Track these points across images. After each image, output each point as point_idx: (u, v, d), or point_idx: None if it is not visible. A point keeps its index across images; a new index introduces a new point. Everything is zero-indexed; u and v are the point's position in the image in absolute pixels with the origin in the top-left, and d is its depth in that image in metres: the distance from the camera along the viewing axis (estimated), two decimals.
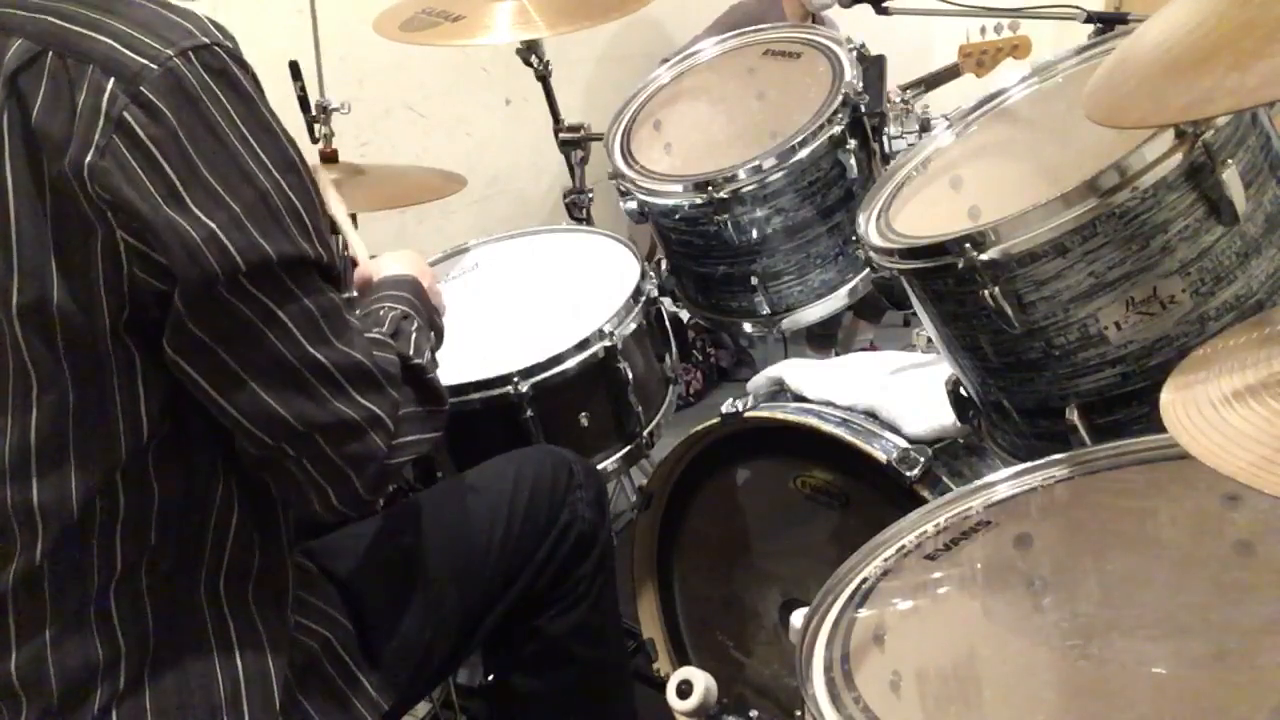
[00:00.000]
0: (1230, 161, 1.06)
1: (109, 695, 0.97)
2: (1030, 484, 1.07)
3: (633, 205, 1.81)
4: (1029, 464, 1.10)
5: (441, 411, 1.13)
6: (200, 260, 0.88)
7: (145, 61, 0.87)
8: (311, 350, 0.96)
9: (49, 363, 0.92)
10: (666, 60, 2.04)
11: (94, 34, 0.89)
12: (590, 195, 2.38)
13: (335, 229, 1.85)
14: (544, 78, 2.37)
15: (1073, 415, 1.15)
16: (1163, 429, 0.77)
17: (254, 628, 1.03)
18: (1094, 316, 1.11)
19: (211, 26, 0.92)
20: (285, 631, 1.06)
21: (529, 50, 2.31)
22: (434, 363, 1.16)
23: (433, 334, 1.24)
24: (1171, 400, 0.80)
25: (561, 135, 2.40)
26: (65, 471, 0.94)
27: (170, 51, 0.88)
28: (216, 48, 0.90)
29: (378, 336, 1.08)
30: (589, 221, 2.37)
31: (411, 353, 1.12)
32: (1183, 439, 0.74)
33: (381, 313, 1.18)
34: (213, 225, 0.89)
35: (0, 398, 0.93)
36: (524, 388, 1.57)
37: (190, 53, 0.89)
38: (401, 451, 1.04)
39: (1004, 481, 1.09)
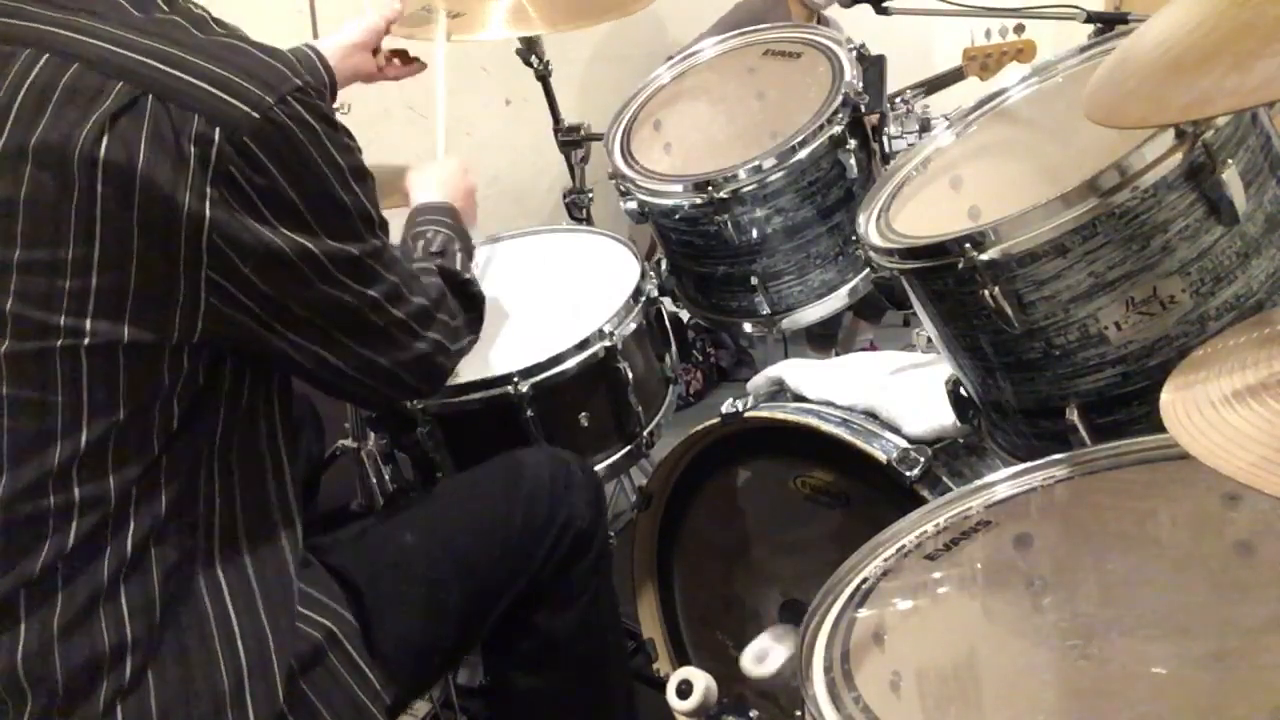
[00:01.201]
0: (1230, 161, 1.06)
1: (114, 689, 0.98)
2: (1030, 484, 1.07)
3: (633, 205, 1.81)
4: (1029, 464, 1.10)
5: (480, 318, 1.37)
6: (291, 268, 1.00)
7: (247, 110, 0.94)
8: (394, 310, 1.13)
9: (106, 391, 0.96)
10: (670, 59, 2.04)
11: (195, 79, 0.93)
12: (590, 195, 2.38)
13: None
14: (544, 77, 2.37)
15: (1073, 415, 1.15)
16: (1163, 429, 0.77)
17: (258, 619, 1.04)
18: (1094, 316, 1.11)
19: (298, 64, 0.99)
20: (289, 622, 1.07)
21: (529, 50, 2.31)
22: (474, 277, 1.38)
23: (469, 250, 1.44)
24: (1171, 400, 0.80)
25: (561, 135, 2.40)
26: (105, 476, 0.97)
27: (271, 99, 0.95)
28: (308, 86, 0.98)
29: (423, 265, 1.28)
30: (589, 221, 2.37)
31: (459, 268, 1.33)
32: (1183, 439, 0.74)
33: (430, 234, 1.39)
34: (309, 242, 1.01)
35: (51, 415, 0.96)
36: (524, 388, 1.57)
37: (289, 96, 0.96)
38: (457, 356, 1.27)
39: (1004, 481, 1.09)
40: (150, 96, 0.91)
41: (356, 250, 1.07)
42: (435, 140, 1.86)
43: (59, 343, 0.94)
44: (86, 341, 0.94)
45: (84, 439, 0.96)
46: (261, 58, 0.98)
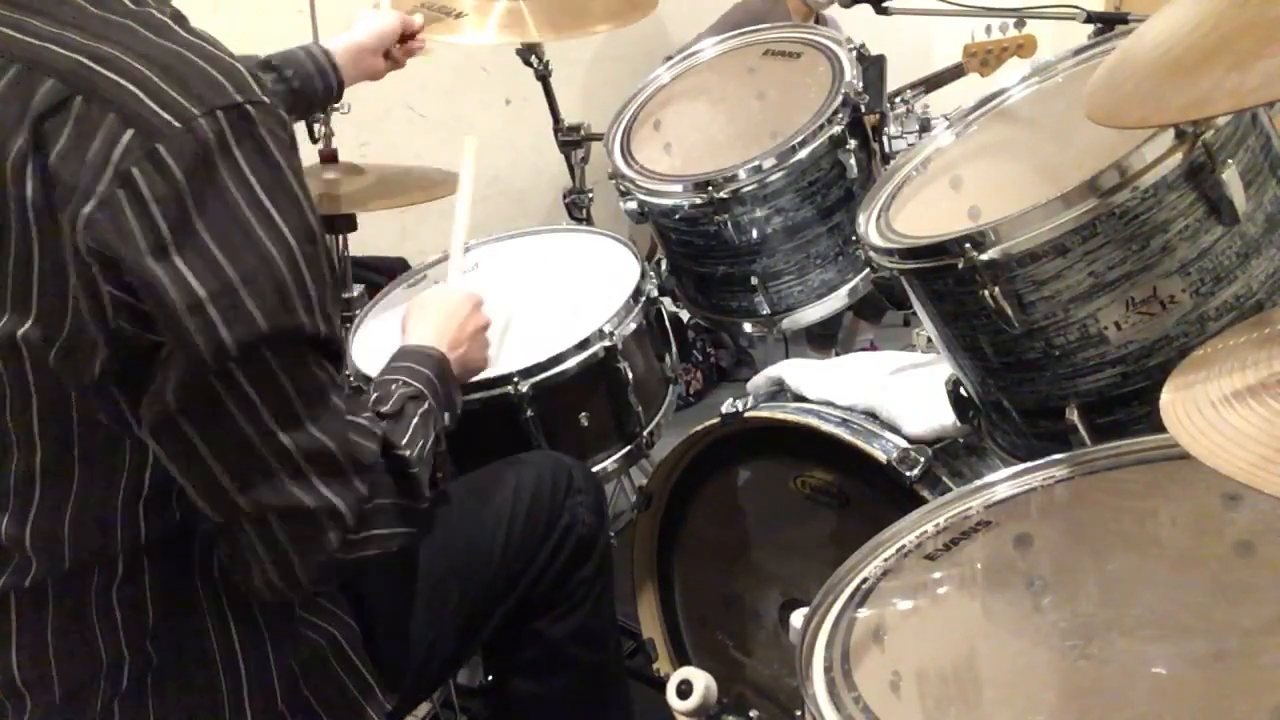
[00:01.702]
0: (1230, 161, 1.06)
1: (111, 694, 0.98)
2: (1030, 484, 1.07)
3: (633, 205, 1.81)
4: (1029, 464, 1.10)
5: (417, 509, 1.08)
6: (179, 327, 0.85)
7: (169, 119, 0.84)
8: (279, 433, 0.92)
9: (50, 401, 0.91)
10: (670, 59, 2.04)
11: (125, 82, 0.85)
12: (590, 195, 2.39)
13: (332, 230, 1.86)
14: (544, 78, 2.37)
15: (1073, 415, 1.15)
16: (1163, 429, 0.77)
17: (256, 627, 1.04)
18: (1094, 316, 1.11)
19: (251, 82, 0.89)
20: (290, 628, 1.07)
21: (529, 50, 2.31)
22: (428, 453, 1.12)
23: (446, 415, 1.21)
24: (1171, 400, 0.79)
25: (561, 135, 2.41)
26: (63, 506, 0.93)
27: (197, 111, 0.85)
28: (249, 106, 0.87)
29: (362, 421, 1.02)
30: (589, 221, 2.37)
31: (403, 441, 1.07)
32: (1183, 439, 0.74)
33: (392, 388, 1.16)
34: (201, 293, 0.85)
35: (3, 434, 0.93)
36: (524, 388, 1.57)
37: (219, 112, 0.86)
38: (363, 547, 1.00)
39: (1004, 481, 1.09)
40: (79, 97, 0.85)
41: (264, 326, 0.87)
42: (451, 256, 1.69)
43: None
44: (18, 345, 0.88)
45: (37, 458, 0.92)
46: (205, 68, 0.87)
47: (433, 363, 1.25)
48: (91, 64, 0.86)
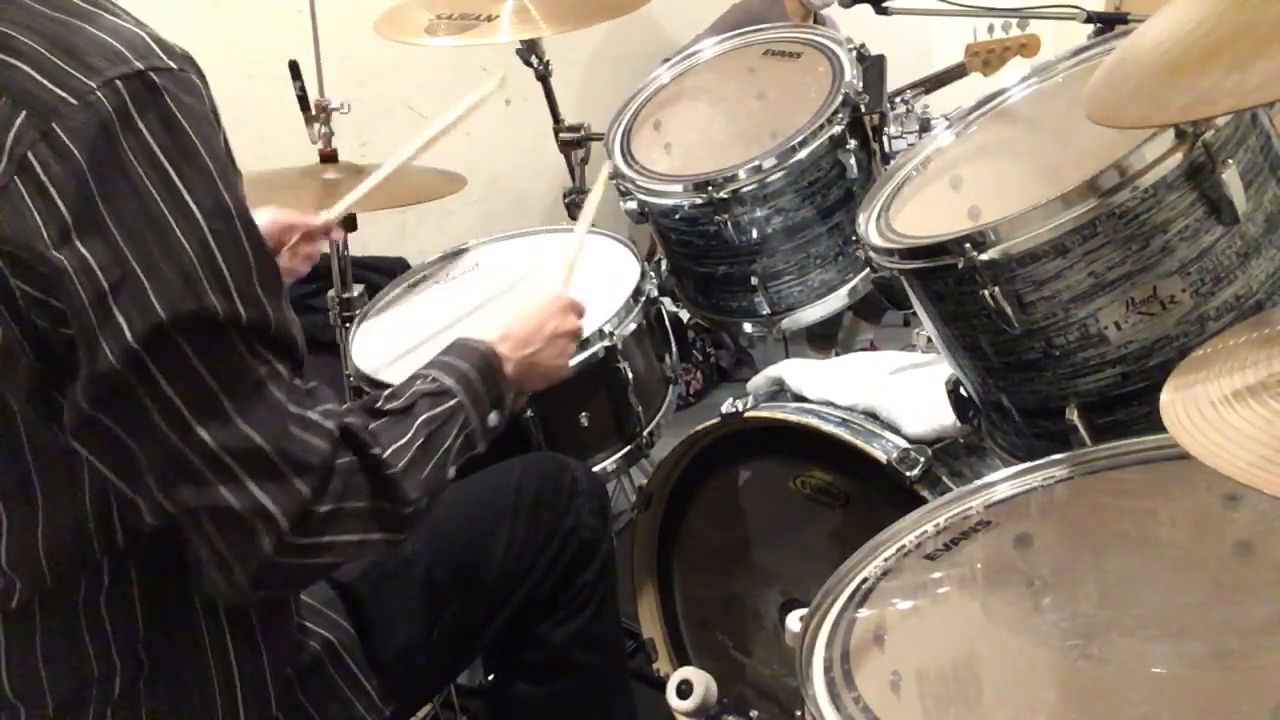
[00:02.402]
0: (1230, 161, 1.06)
1: (104, 703, 0.97)
2: (1030, 484, 1.07)
3: (633, 205, 1.81)
4: (1029, 464, 1.10)
5: (400, 515, 0.98)
6: (87, 321, 0.80)
7: (64, 95, 0.78)
8: (199, 430, 0.85)
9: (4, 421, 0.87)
10: (670, 59, 2.04)
11: (13, 60, 0.79)
12: None
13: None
14: (544, 78, 2.37)
15: (1073, 415, 1.15)
16: (1163, 429, 0.77)
17: (251, 632, 1.02)
18: (1094, 316, 1.11)
19: (154, 46, 0.83)
20: (286, 633, 1.06)
21: (529, 50, 2.31)
22: (432, 456, 1.03)
23: (493, 414, 1.13)
24: (1171, 400, 0.79)
25: (561, 135, 2.40)
26: (33, 524, 0.91)
27: (94, 83, 0.79)
28: (152, 74, 0.81)
29: (311, 417, 0.91)
30: None
31: (389, 442, 0.98)
32: (1183, 439, 0.74)
33: (416, 382, 1.08)
34: (105, 284, 0.80)
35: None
36: None
37: (118, 82, 0.79)
38: (316, 552, 0.92)
39: (1004, 481, 1.09)
40: None
41: (163, 314, 0.81)
42: (561, 259, 1.51)
43: None
44: None
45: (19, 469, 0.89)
46: (99, 37, 0.80)
47: (477, 356, 1.15)
48: None
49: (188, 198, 0.82)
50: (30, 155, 0.78)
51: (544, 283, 1.38)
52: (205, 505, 0.87)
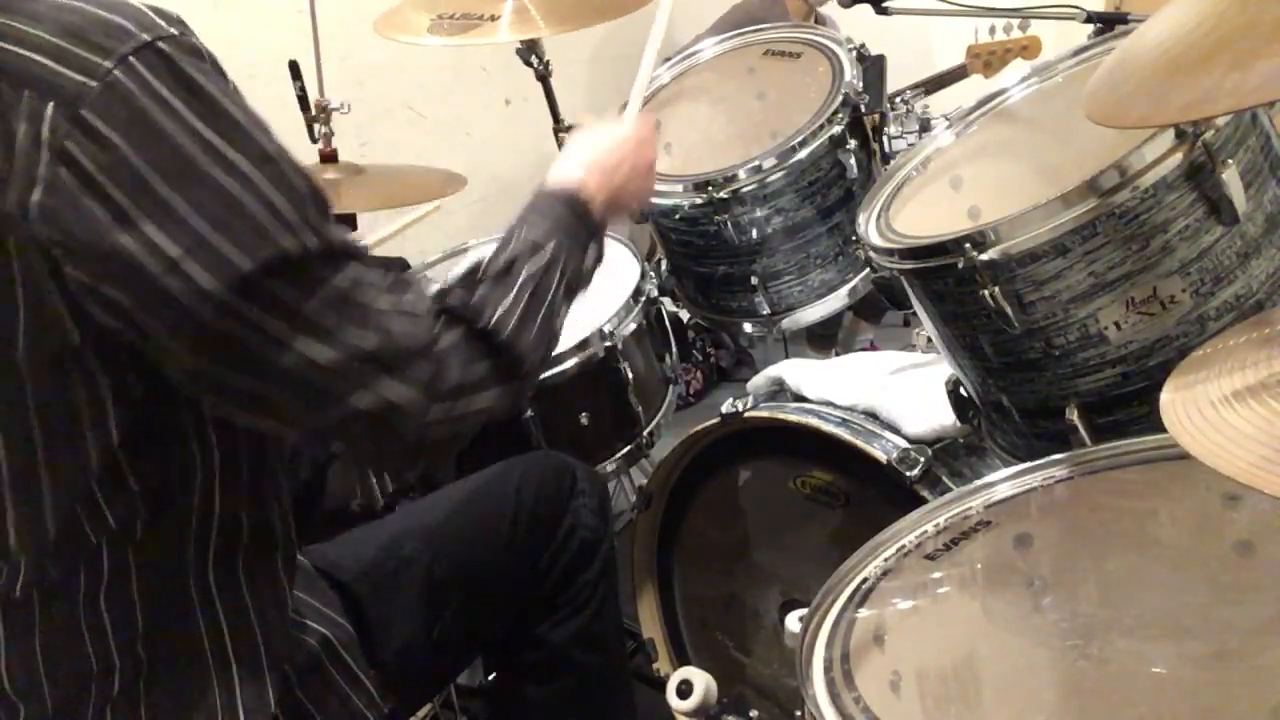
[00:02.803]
0: (1230, 161, 1.06)
1: (103, 701, 0.97)
2: (1030, 484, 1.07)
3: None
4: (1029, 464, 1.10)
5: (516, 376, 1.02)
6: (161, 290, 0.82)
7: (82, 79, 0.78)
8: (310, 355, 0.88)
9: (8, 402, 0.86)
10: (670, 59, 2.04)
11: (21, 50, 0.79)
12: None
13: None
14: (544, 78, 2.37)
15: (1073, 415, 1.15)
16: (1163, 429, 0.77)
17: (250, 628, 1.02)
18: (1094, 316, 1.11)
19: (151, 14, 0.83)
20: (284, 630, 1.06)
21: (529, 50, 2.31)
22: (543, 310, 1.05)
23: (589, 253, 1.14)
24: (1171, 400, 0.79)
25: (561, 135, 2.40)
26: (38, 493, 0.90)
27: (108, 63, 0.79)
28: (160, 43, 0.81)
29: (403, 308, 0.95)
30: None
31: (491, 310, 1.01)
32: (1183, 439, 0.74)
33: (511, 241, 1.08)
34: (175, 252, 0.81)
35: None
36: None
37: (131, 57, 0.80)
38: (456, 423, 0.97)
39: (1004, 481, 1.09)
40: None
41: (248, 264, 0.83)
42: (632, 99, 1.48)
43: None
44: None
45: (40, 453, 0.88)
46: (98, 14, 0.81)
47: (566, 199, 1.14)
48: None
49: (230, 152, 0.83)
50: (69, 145, 0.78)
51: (614, 120, 1.35)
52: (344, 417, 0.91)
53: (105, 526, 0.93)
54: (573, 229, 1.13)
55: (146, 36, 0.81)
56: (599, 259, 1.17)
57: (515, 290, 1.04)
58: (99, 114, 0.78)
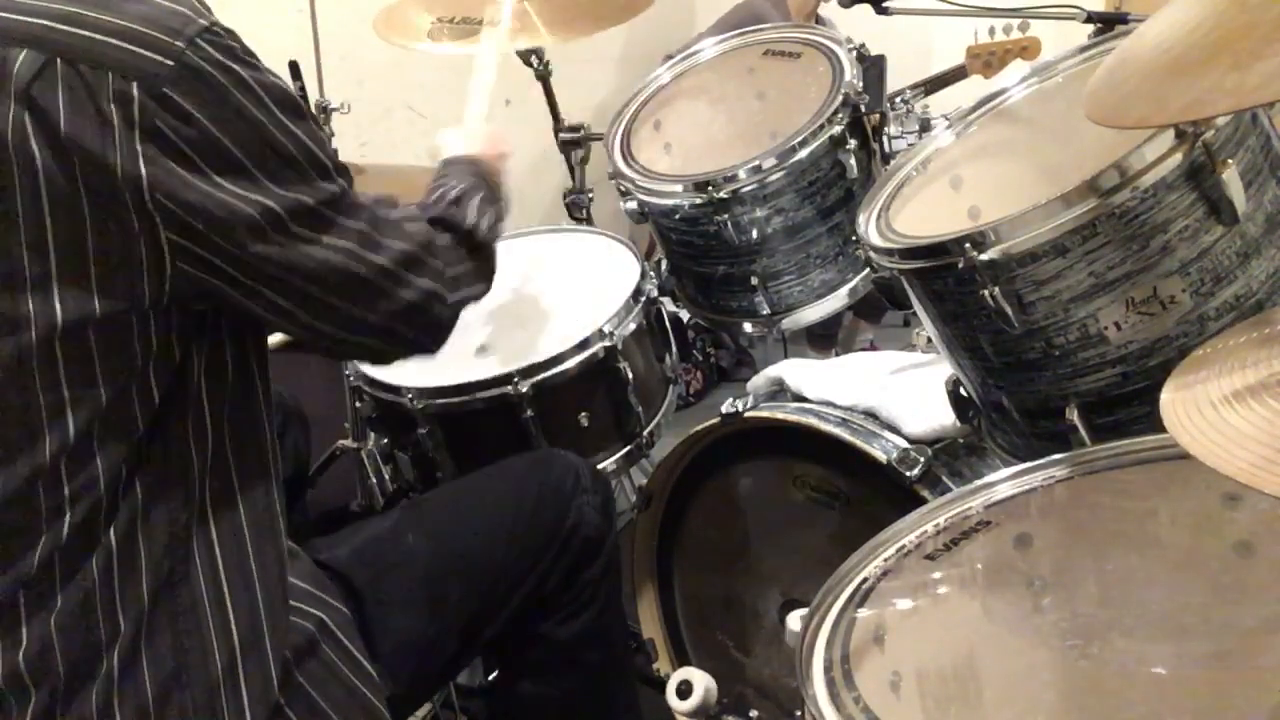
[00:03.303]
0: (1230, 161, 1.05)
1: (109, 674, 0.97)
2: (1030, 484, 1.07)
3: (633, 205, 1.81)
4: (1029, 464, 1.09)
5: (490, 269, 1.28)
6: (250, 227, 0.95)
7: (159, 58, 0.89)
8: (372, 257, 1.06)
9: (84, 376, 0.93)
10: (669, 58, 2.04)
11: (100, 35, 0.88)
12: (590, 195, 2.38)
13: None
14: (544, 78, 2.37)
15: (1073, 415, 1.15)
16: (1163, 429, 0.77)
17: (254, 598, 1.03)
18: (1094, 316, 1.11)
19: (199, 3, 0.94)
20: (284, 609, 1.06)
21: (529, 50, 2.31)
22: (492, 226, 1.29)
23: (499, 203, 1.36)
24: (1171, 400, 0.79)
25: (561, 135, 2.41)
26: (93, 464, 0.95)
27: (180, 44, 0.89)
28: (215, 27, 0.93)
29: (404, 213, 1.17)
30: (589, 221, 2.37)
31: (466, 219, 1.24)
32: (1183, 439, 0.74)
33: (449, 185, 1.30)
34: (258, 196, 0.95)
35: (35, 414, 0.93)
36: (524, 388, 1.57)
37: (197, 39, 0.91)
38: (459, 306, 1.20)
39: (1004, 481, 1.09)
40: (59, 61, 0.87)
41: (311, 199, 1.00)
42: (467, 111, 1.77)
43: (33, 335, 0.91)
44: (60, 325, 0.91)
45: (70, 432, 0.94)
46: (161, 3, 0.92)
47: (474, 167, 1.39)
48: (60, 25, 0.88)
49: (279, 113, 0.97)
50: (159, 123, 0.89)
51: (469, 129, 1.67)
52: (400, 306, 1.10)
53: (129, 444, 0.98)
54: (481, 181, 1.36)
55: (204, 22, 0.93)
56: (492, 203, 1.37)
57: (470, 211, 1.27)
58: (179, 90, 0.90)
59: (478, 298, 1.25)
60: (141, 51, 0.88)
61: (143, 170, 0.89)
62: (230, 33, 0.95)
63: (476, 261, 1.25)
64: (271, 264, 0.99)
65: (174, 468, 1.00)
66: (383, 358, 1.20)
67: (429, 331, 1.17)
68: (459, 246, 1.22)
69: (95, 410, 0.95)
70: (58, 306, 0.91)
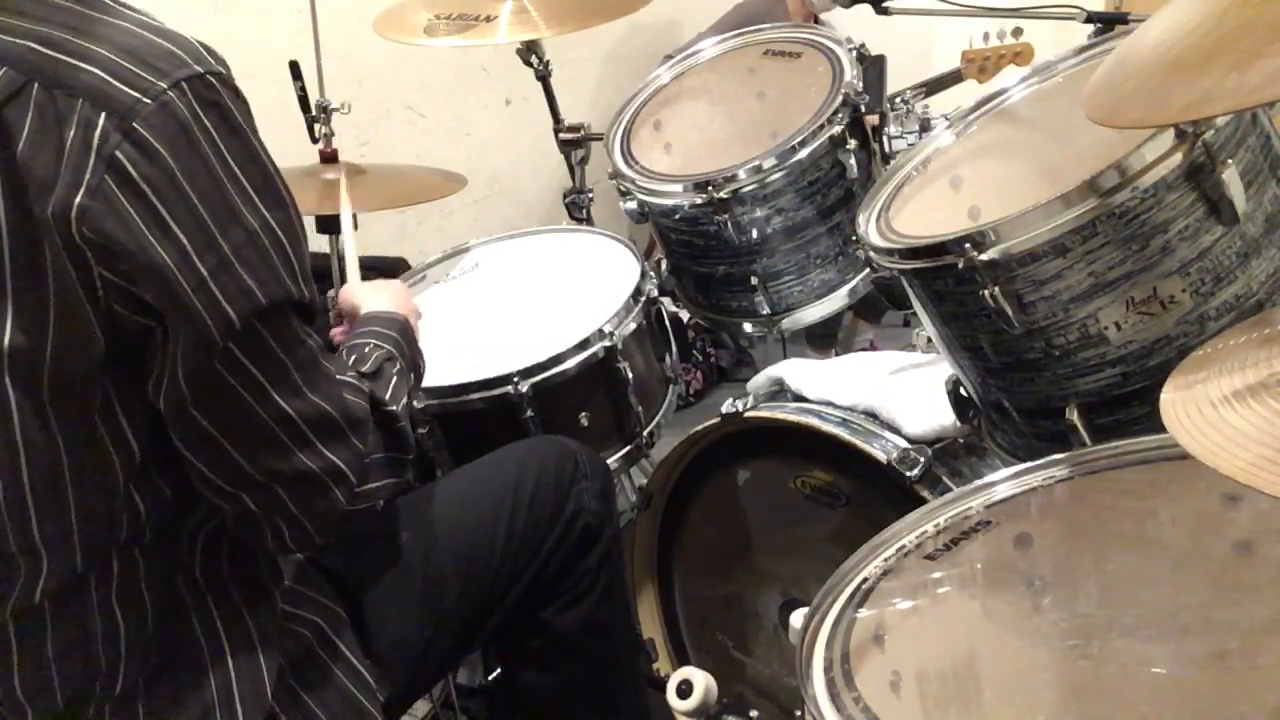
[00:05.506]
0: (1230, 161, 1.06)
1: (105, 697, 0.97)
2: (1030, 484, 1.07)
3: (633, 205, 1.81)
4: (1029, 464, 1.10)
5: (406, 460, 1.12)
6: (189, 306, 0.87)
7: (137, 95, 0.84)
8: (282, 403, 0.94)
9: (32, 408, 0.89)
10: (669, 57, 2.04)
11: (82, 64, 0.84)
12: (590, 195, 2.38)
13: (336, 230, 1.85)
14: (544, 78, 2.37)
15: (1073, 415, 1.15)
16: (1163, 429, 0.77)
17: (241, 621, 1.03)
18: (1094, 316, 1.11)
19: (203, 52, 0.89)
20: (275, 623, 1.06)
21: (529, 50, 2.31)
22: (408, 409, 1.16)
23: (413, 376, 1.24)
24: (1171, 400, 0.79)
25: (561, 135, 2.40)
26: (65, 506, 0.92)
27: (163, 84, 0.85)
28: (210, 76, 0.88)
29: (349, 380, 1.05)
30: (589, 221, 2.37)
31: (387, 397, 1.11)
32: (1183, 439, 0.74)
33: (367, 350, 1.18)
34: (204, 270, 0.87)
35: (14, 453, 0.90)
36: (524, 388, 1.57)
37: (184, 84, 0.86)
38: (364, 499, 1.04)
39: (1004, 481, 1.09)
40: (36, 85, 0.83)
41: (262, 298, 0.90)
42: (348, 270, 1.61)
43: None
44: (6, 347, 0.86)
45: (65, 461, 0.90)
46: (157, 41, 0.87)
47: (399, 326, 1.27)
48: (43, 49, 0.85)
49: (252, 191, 0.90)
50: (119, 154, 0.83)
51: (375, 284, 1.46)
52: (290, 471, 0.96)
53: (135, 522, 0.95)
54: (405, 350, 1.24)
55: (199, 68, 0.87)
56: (419, 382, 1.30)
57: (392, 387, 1.14)
58: (151, 129, 0.84)
59: (386, 496, 1.09)
60: (119, 86, 0.84)
61: (79, 199, 0.83)
62: (231, 90, 0.90)
63: (390, 451, 1.10)
64: (179, 355, 0.88)
65: (170, 504, 0.97)
66: (251, 529, 0.99)
67: (319, 512, 0.99)
68: (379, 428, 1.08)
69: (54, 451, 0.90)
70: (6, 337, 0.86)
